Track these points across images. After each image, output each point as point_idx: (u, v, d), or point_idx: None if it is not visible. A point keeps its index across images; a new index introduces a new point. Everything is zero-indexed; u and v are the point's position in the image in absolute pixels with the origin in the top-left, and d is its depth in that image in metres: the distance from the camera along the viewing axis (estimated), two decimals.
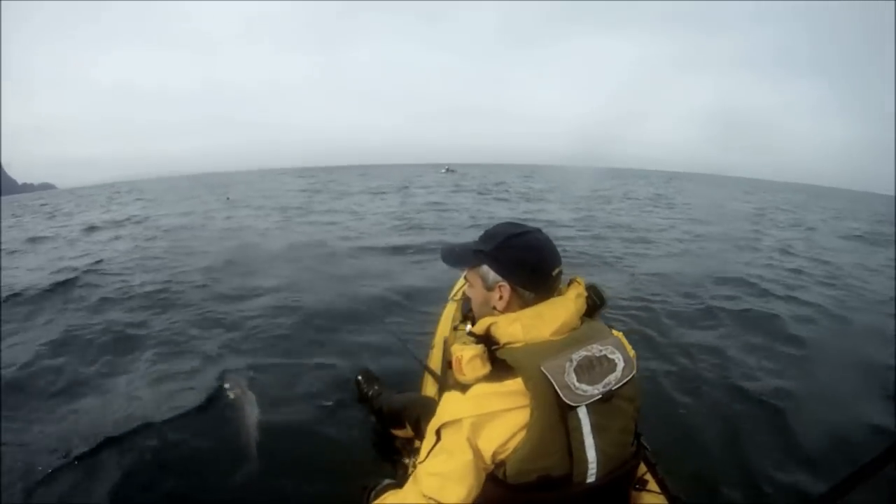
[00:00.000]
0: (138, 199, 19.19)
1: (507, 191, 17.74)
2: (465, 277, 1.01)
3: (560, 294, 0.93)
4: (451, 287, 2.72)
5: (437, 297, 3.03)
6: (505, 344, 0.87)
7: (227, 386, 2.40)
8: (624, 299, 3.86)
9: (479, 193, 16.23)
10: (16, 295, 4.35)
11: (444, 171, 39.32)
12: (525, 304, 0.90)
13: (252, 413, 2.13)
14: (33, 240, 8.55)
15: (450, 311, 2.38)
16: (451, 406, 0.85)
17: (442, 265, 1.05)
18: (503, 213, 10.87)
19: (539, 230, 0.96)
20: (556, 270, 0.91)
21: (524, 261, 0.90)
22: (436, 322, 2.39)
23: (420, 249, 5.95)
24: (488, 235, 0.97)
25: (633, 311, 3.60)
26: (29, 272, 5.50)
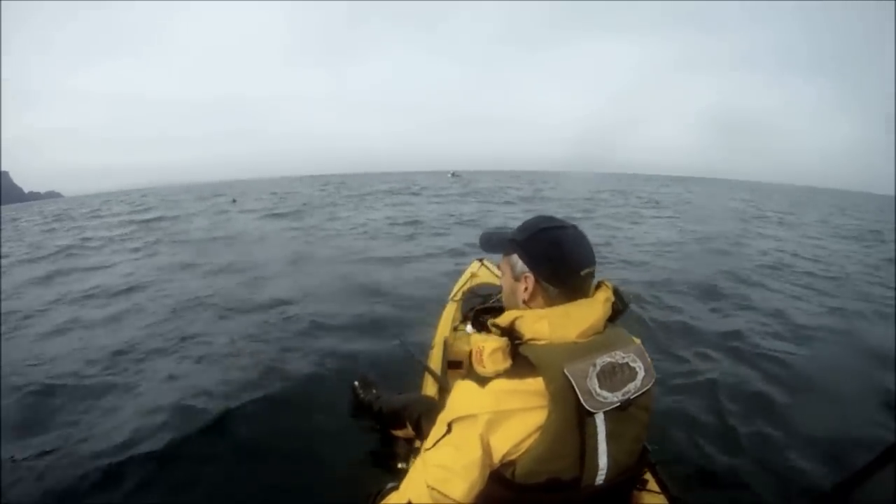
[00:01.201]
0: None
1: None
2: (499, 266, 1.02)
3: (589, 296, 0.91)
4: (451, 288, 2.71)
5: None
6: (528, 340, 0.85)
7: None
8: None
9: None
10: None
11: (450, 175, 40.25)
12: (549, 299, 0.89)
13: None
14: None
15: (450, 312, 2.38)
16: (467, 398, 0.82)
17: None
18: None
19: (575, 227, 0.92)
20: (586, 270, 0.88)
21: (550, 255, 0.88)
22: (435, 322, 2.39)
23: None
24: (524, 226, 0.96)
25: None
26: None
